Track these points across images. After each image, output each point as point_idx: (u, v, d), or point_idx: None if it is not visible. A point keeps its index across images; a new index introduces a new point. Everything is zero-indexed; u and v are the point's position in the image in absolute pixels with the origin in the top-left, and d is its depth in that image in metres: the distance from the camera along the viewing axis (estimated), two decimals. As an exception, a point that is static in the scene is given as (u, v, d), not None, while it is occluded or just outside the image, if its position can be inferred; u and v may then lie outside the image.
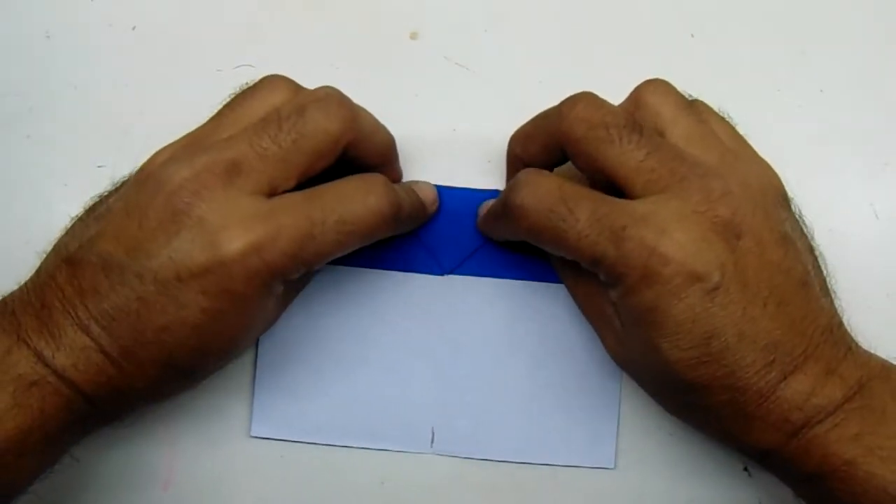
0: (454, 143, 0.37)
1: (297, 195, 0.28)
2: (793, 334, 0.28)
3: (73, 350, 0.27)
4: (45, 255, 0.31)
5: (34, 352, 0.27)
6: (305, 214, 0.28)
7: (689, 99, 0.32)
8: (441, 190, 0.35)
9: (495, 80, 0.37)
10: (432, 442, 0.35)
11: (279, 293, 0.29)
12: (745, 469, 0.34)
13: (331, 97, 0.29)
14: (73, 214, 0.32)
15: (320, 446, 0.35)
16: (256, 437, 0.35)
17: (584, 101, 0.29)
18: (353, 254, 0.30)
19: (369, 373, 0.35)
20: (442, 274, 0.35)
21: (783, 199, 0.30)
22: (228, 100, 0.31)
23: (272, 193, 0.28)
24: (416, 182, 0.34)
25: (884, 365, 0.29)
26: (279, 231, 0.27)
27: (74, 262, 0.28)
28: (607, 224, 0.28)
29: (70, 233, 0.31)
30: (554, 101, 0.37)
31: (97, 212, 0.30)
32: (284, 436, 0.35)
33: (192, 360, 0.29)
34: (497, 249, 0.35)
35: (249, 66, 0.37)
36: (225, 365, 0.31)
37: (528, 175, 0.29)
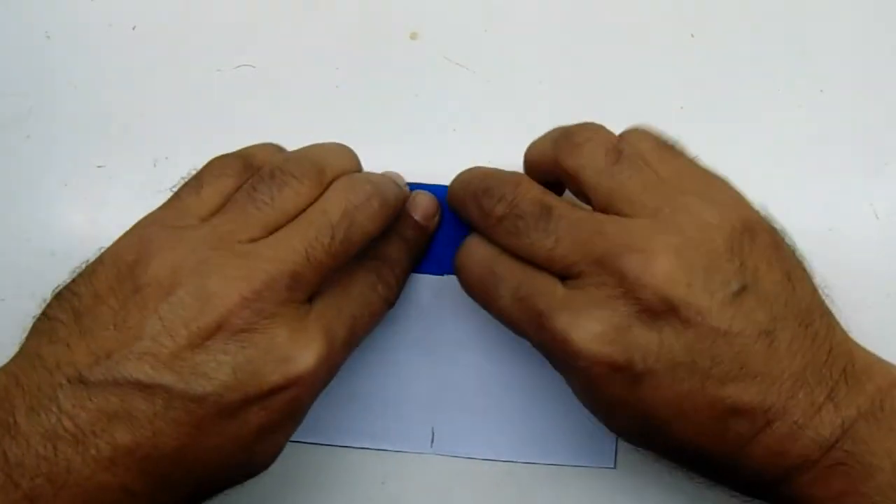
0: (454, 143, 0.37)
1: (328, 297, 0.28)
2: (752, 394, 0.25)
3: (82, 489, 0.23)
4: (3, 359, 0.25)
5: (25, 495, 0.23)
6: (348, 313, 0.29)
7: (618, 147, 0.28)
8: (441, 190, 0.34)
9: (495, 80, 0.37)
10: (432, 442, 0.35)
11: None
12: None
13: (373, 198, 0.29)
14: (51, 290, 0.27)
15: (320, 446, 0.35)
16: (256, 437, 0.35)
17: (497, 190, 0.29)
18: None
19: (369, 373, 0.35)
20: (442, 274, 0.35)
21: (747, 237, 0.27)
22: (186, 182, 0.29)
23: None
24: (418, 193, 0.34)
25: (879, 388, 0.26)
26: (335, 334, 0.27)
27: (90, 384, 0.24)
28: (527, 306, 0.27)
29: (49, 338, 0.25)
30: (553, 101, 0.37)
31: (90, 317, 0.25)
32: (284, 436, 0.35)
33: (230, 480, 0.27)
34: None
35: (249, 66, 0.37)
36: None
37: (471, 241, 0.30)
